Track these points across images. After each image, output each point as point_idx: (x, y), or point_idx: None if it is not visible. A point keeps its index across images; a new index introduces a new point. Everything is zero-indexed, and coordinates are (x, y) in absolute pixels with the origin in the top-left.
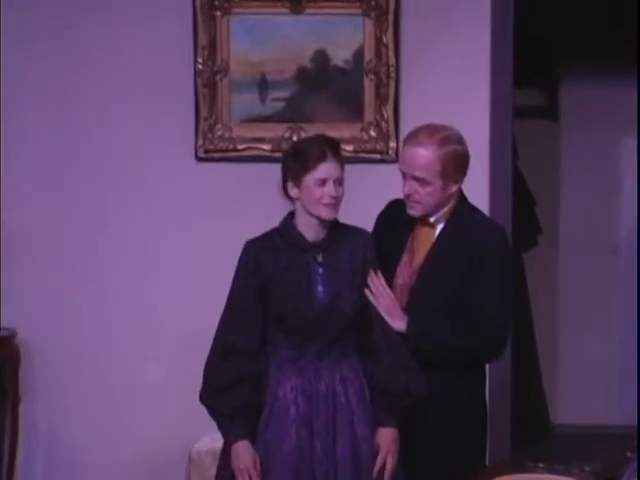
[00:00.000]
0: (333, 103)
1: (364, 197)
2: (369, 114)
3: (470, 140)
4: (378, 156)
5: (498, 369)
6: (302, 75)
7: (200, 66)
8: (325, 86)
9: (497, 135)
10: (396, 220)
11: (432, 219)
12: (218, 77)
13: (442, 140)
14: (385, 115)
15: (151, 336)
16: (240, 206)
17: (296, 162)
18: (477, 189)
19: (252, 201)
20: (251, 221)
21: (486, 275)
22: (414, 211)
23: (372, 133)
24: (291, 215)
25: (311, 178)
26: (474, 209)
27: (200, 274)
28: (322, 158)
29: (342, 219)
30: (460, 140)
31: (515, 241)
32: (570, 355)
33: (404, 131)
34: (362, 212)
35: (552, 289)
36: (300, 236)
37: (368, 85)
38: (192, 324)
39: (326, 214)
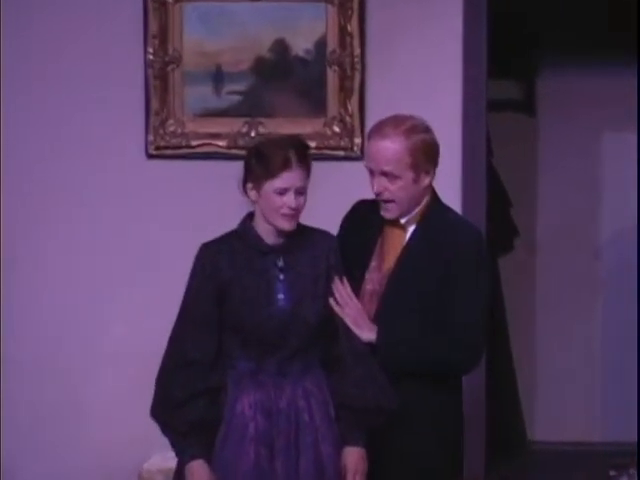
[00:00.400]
0: (294, 96)
1: (327, 197)
2: (332, 108)
3: (441, 136)
4: (342, 153)
5: (472, 381)
6: (260, 66)
7: (151, 56)
8: (285, 78)
9: (470, 131)
10: (363, 222)
11: (403, 220)
12: (170, 68)
13: (409, 130)
14: (350, 109)
15: (99, 348)
16: (194, 206)
17: (258, 165)
18: (449, 189)
19: (207, 201)
20: (206, 222)
21: (461, 280)
22: (389, 213)
23: (336, 128)
24: (250, 216)
25: (271, 186)
26: (447, 209)
27: (152, 280)
28: (285, 166)
29: (304, 220)
30: (427, 129)
31: (490, 245)
32: (549, 366)
33: (370, 126)
34: (326, 213)
35: (529, 296)
36: (259, 239)
37: (331, 77)
38: (143, 334)
39: (282, 225)
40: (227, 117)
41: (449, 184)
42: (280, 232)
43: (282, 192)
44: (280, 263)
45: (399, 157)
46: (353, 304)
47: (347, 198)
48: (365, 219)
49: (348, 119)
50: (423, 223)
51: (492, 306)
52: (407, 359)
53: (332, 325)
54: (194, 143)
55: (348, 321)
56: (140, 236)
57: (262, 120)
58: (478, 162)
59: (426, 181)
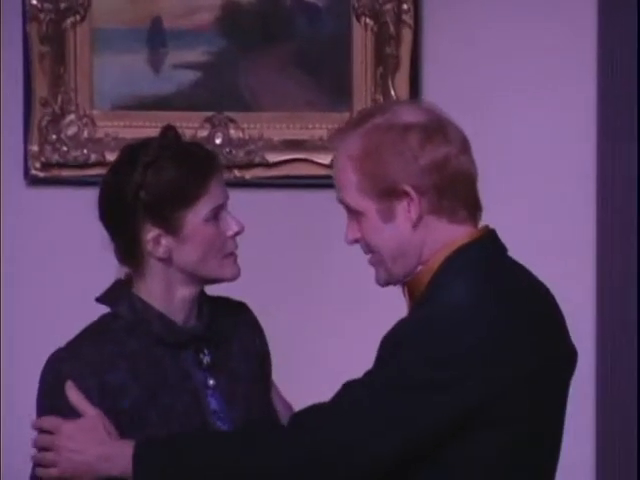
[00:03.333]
0: (294, 73)
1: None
2: (362, 94)
3: (557, 159)
4: None
5: None
6: (232, 20)
7: (34, 1)
8: (278, 41)
9: (611, 148)
10: None
11: (406, 298)
12: (69, 23)
13: (365, 117)
14: (394, 94)
15: None
16: (107, 264)
17: (160, 194)
18: (575, 249)
19: None
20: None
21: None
22: (376, 275)
23: None
24: (124, 287)
25: (199, 213)
26: (458, 273)
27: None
28: (210, 170)
29: (318, 276)
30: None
31: None
32: None
33: None
34: (350, 263)
35: None
36: (168, 322)
37: (360, 39)
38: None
39: (231, 271)
40: (173, 111)
41: (577, 244)
42: (193, 304)
43: (216, 215)
44: (206, 359)
45: (342, 168)
46: None
47: None
48: None
49: None
50: (415, 306)
51: None
52: None
53: None
54: (112, 157)
55: None
56: (18, 304)
57: (234, 116)
58: (626, 206)
59: (409, 214)
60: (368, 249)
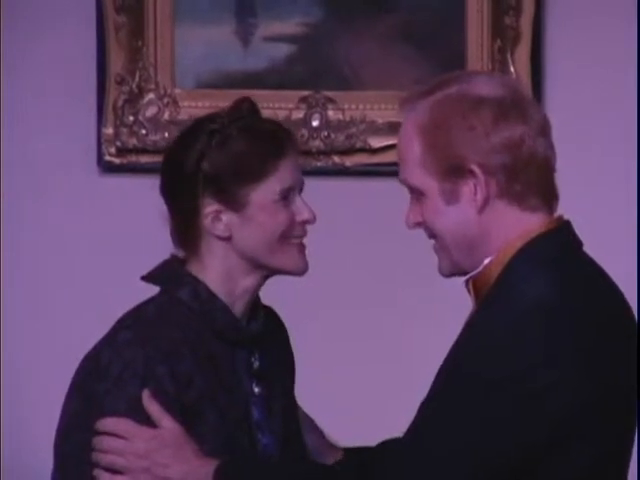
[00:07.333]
0: (400, 48)
1: None
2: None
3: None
4: None
5: None
6: None
7: None
8: (382, 11)
9: None
10: None
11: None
12: None
13: (434, 87)
14: (513, 70)
15: None
16: None
17: (223, 167)
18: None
19: None
20: None
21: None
22: (439, 264)
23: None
24: (179, 268)
25: (266, 193)
26: (536, 265)
27: None
28: (282, 147)
29: (427, 274)
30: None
31: None
32: None
33: (555, 112)
34: None
35: None
36: (232, 317)
37: (475, 8)
38: None
39: (298, 264)
40: (264, 89)
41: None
42: (250, 297)
43: (286, 197)
44: (256, 364)
45: (407, 139)
46: None
47: None
48: None
49: None
50: (485, 300)
51: None
52: None
53: None
54: None
55: None
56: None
57: (333, 95)
58: None
59: (475, 196)
60: (431, 234)
